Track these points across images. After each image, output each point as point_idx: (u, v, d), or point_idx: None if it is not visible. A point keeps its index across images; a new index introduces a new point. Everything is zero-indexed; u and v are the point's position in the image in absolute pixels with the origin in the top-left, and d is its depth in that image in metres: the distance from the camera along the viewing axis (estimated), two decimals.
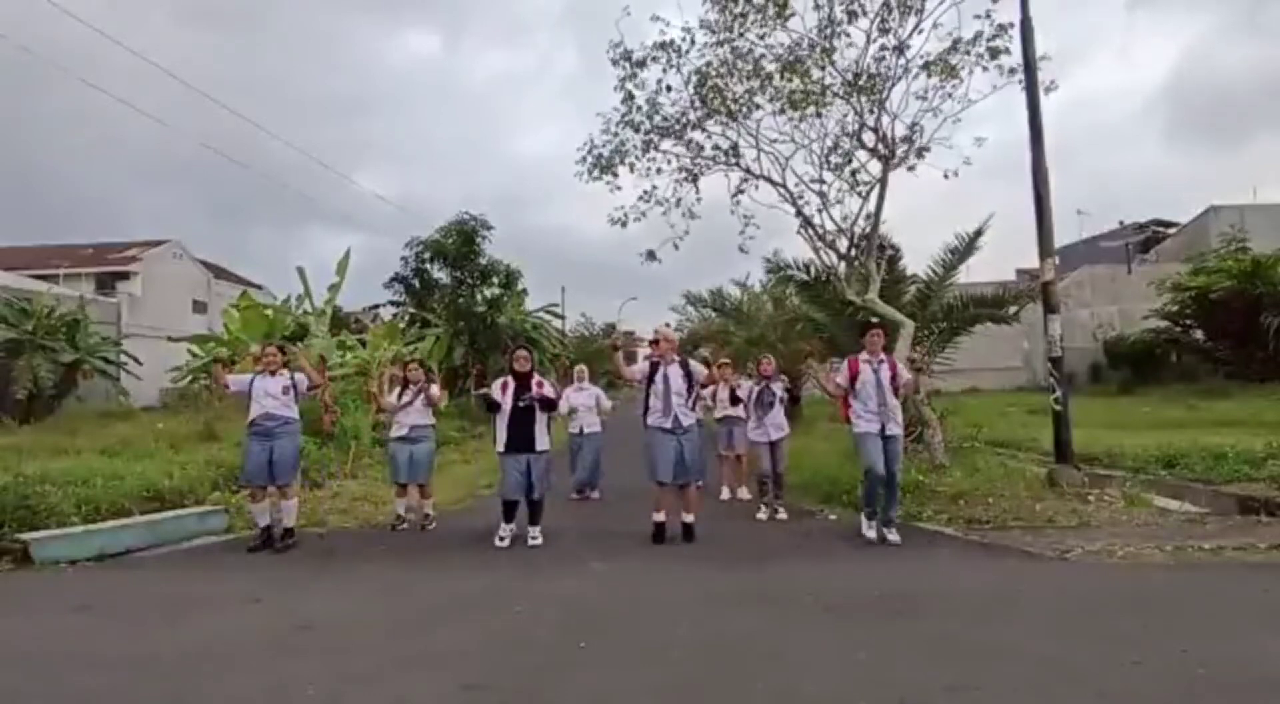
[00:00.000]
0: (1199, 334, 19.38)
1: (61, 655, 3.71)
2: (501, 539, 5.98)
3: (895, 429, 5.73)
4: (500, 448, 6.07)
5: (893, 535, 5.69)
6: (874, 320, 6.23)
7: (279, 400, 6.12)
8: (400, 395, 6.91)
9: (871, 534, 5.80)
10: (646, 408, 5.96)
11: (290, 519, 6.13)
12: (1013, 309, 10.82)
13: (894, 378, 5.79)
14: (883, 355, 5.86)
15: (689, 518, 5.91)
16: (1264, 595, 4.17)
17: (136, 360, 20.55)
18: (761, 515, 6.93)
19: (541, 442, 6.03)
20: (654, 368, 5.95)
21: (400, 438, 6.82)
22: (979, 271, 14.63)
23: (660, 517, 5.89)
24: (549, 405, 6.22)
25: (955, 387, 15.23)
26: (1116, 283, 25.43)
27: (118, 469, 7.67)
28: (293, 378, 6.29)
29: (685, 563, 5.37)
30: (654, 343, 6.12)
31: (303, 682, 3.27)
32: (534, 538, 5.99)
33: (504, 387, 6.14)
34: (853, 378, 5.81)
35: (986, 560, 5.23)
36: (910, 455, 7.99)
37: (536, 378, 6.22)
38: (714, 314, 20.84)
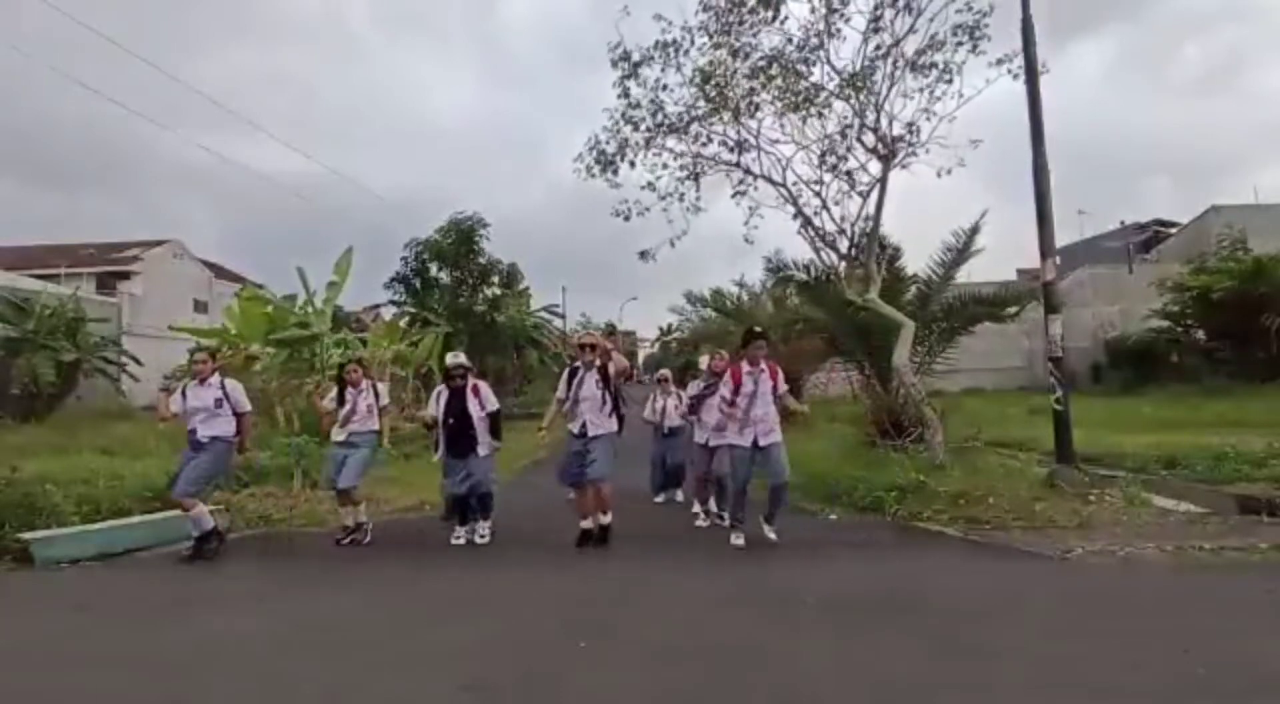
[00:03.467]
0: (1200, 334, 19.36)
1: (61, 655, 3.71)
2: (456, 538, 6.10)
3: (771, 438, 5.65)
4: (440, 451, 6.16)
5: (771, 533, 5.76)
6: (757, 329, 6.07)
7: (211, 413, 5.78)
8: (340, 398, 6.35)
9: (740, 542, 5.72)
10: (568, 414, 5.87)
11: (205, 524, 5.75)
12: (1014, 309, 10.82)
13: (774, 387, 5.72)
14: (763, 365, 5.73)
15: (605, 519, 5.84)
16: (1265, 596, 4.16)
17: (137, 361, 20.54)
18: (701, 522, 6.75)
19: (484, 447, 6.08)
20: (573, 373, 5.85)
21: (339, 443, 6.30)
22: (980, 271, 14.60)
23: (586, 523, 5.83)
24: (497, 417, 6.19)
25: (955, 386, 15.21)
26: (1118, 283, 25.38)
27: (118, 469, 7.68)
28: (224, 387, 5.88)
29: (685, 563, 5.37)
30: (581, 347, 5.91)
31: (303, 682, 3.27)
32: (481, 536, 6.08)
33: (438, 396, 6.23)
34: (736, 387, 5.70)
35: (987, 560, 5.23)
36: (910, 455, 7.99)
37: (472, 383, 6.22)
38: (714, 314, 20.88)
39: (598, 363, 5.82)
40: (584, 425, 5.74)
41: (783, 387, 5.81)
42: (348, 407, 6.33)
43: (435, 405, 6.23)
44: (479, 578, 5.17)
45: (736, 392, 5.68)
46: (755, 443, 5.63)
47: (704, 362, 7.72)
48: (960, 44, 8.24)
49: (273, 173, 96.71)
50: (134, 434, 11.39)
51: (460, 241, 20.17)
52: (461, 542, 6.07)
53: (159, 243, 33.73)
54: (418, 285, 20.78)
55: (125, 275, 30.93)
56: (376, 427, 6.43)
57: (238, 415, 5.95)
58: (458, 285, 20.82)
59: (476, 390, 6.18)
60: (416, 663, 3.44)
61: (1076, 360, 19.42)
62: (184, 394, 5.88)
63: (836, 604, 4.23)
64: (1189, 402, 14.23)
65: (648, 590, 4.74)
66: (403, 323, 19.00)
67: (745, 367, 5.73)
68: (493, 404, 6.21)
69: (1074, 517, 6.03)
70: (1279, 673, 3.06)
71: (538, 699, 3.03)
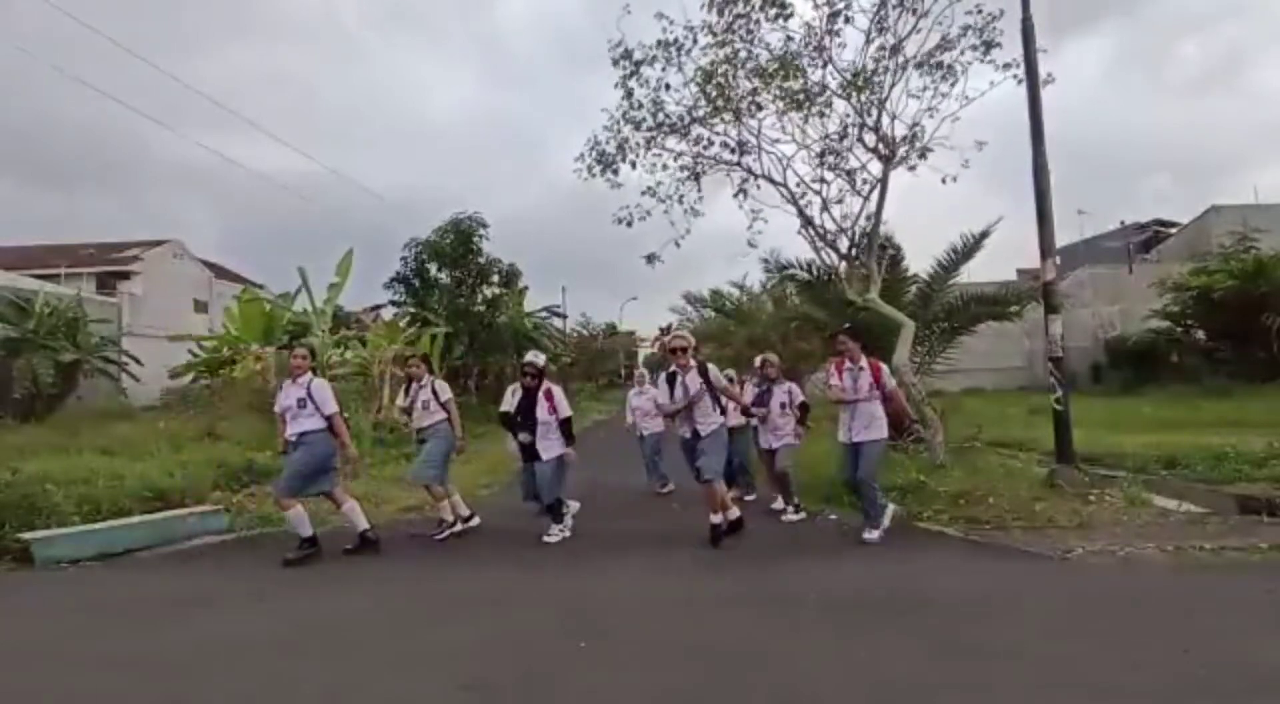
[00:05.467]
0: (1200, 334, 19.36)
1: (61, 655, 3.72)
2: (549, 536, 6.07)
3: (865, 435, 5.77)
4: (513, 453, 6.25)
5: (869, 535, 5.76)
6: (847, 326, 6.21)
7: (294, 412, 5.63)
8: (407, 393, 6.66)
9: (873, 537, 5.83)
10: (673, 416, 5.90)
11: (300, 528, 5.56)
12: (1014, 308, 10.82)
13: (878, 384, 5.80)
14: (863, 362, 5.86)
15: (715, 518, 5.75)
16: (1265, 596, 4.15)
17: (137, 361, 20.53)
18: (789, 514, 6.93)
19: (547, 451, 6.04)
20: (672, 378, 5.82)
21: (418, 441, 6.60)
22: (980, 271, 14.56)
23: (716, 518, 5.78)
24: (566, 427, 6.15)
25: (956, 386, 15.21)
26: (1118, 283, 25.38)
27: (118, 469, 7.67)
28: (309, 389, 5.65)
29: (686, 563, 5.36)
30: (672, 351, 5.92)
31: (303, 682, 3.27)
32: (549, 535, 6.07)
33: (513, 391, 6.26)
34: (839, 382, 5.92)
35: (987, 560, 5.23)
36: (911, 455, 7.98)
37: (546, 387, 6.18)
38: (714, 314, 20.89)
39: (693, 364, 5.82)
40: (694, 427, 5.76)
41: (889, 383, 5.86)
42: (409, 400, 6.52)
43: (510, 400, 6.25)
44: (479, 578, 5.17)
45: (841, 387, 5.88)
46: (851, 437, 5.80)
47: (756, 361, 7.74)
48: (973, 48, 8.24)
49: (273, 173, 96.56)
50: (134, 434, 11.38)
51: (459, 242, 20.14)
52: (555, 539, 6.04)
53: (159, 243, 33.72)
54: (417, 285, 20.75)
55: (125, 275, 30.93)
56: (440, 417, 6.50)
57: (326, 416, 5.66)
58: (457, 285, 20.78)
59: (550, 395, 6.14)
60: (416, 663, 3.44)
61: (1076, 360, 19.41)
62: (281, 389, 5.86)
63: (836, 604, 4.23)
64: (1189, 402, 14.22)
65: (648, 590, 4.74)
66: (403, 323, 18.99)
67: (846, 363, 5.89)
68: (564, 411, 6.17)
69: (1074, 517, 6.03)
70: (1279, 673, 3.06)
71: (538, 699, 3.03)
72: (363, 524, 5.81)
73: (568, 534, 6.14)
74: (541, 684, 3.13)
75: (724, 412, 5.98)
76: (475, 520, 6.58)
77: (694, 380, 5.76)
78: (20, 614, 4.62)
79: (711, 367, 5.94)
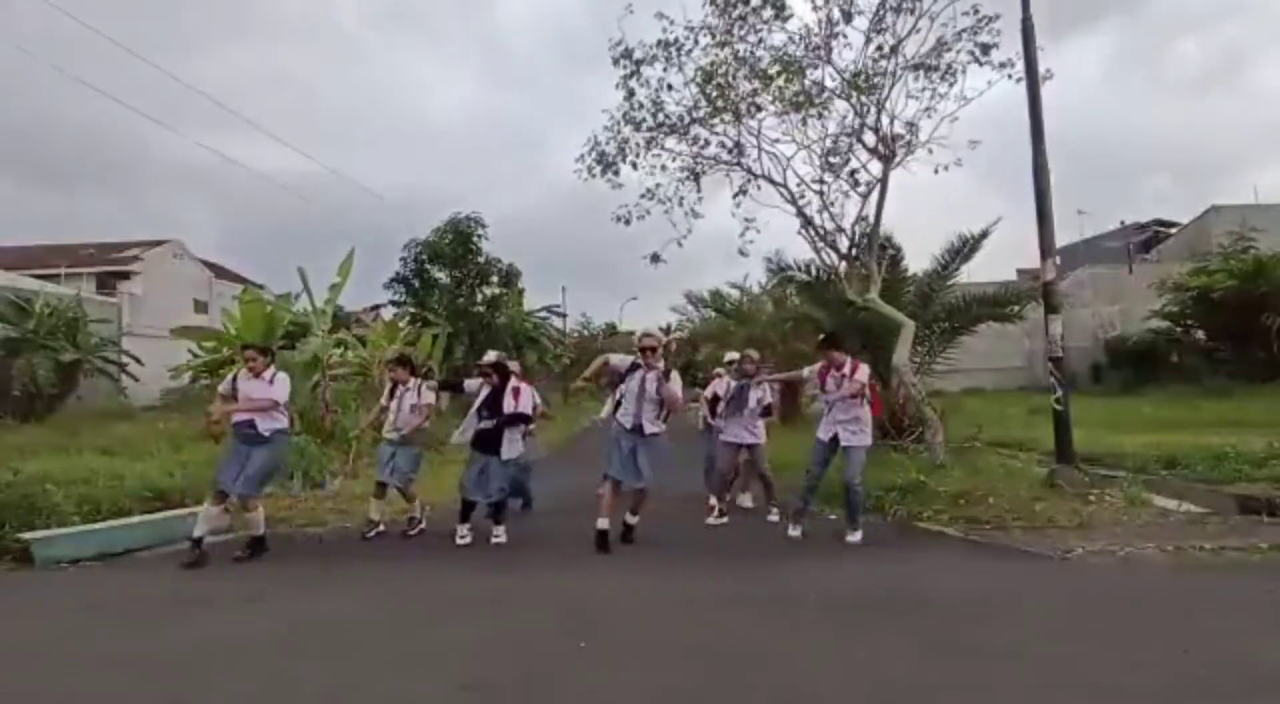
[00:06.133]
0: (1200, 334, 19.37)
1: (61, 655, 3.71)
2: (462, 538, 6.04)
3: (852, 440, 5.87)
4: (466, 442, 6.15)
5: (851, 536, 5.81)
6: (822, 337, 6.39)
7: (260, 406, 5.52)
8: (391, 394, 6.56)
9: (795, 533, 6.03)
10: (618, 405, 5.84)
11: (257, 528, 5.65)
12: (1014, 309, 10.82)
13: (854, 395, 5.87)
14: (847, 368, 5.94)
15: (632, 519, 5.90)
16: (1265, 596, 4.16)
17: (138, 360, 20.52)
18: (711, 519, 6.78)
19: (508, 450, 6.05)
20: (634, 368, 5.80)
21: (389, 440, 6.49)
22: (980, 272, 14.57)
23: (603, 522, 5.69)
24: (517, 420, 6.14)
25: (956, 386, 15.21)
26: (1118, 283, 25.39)
27: (118, 469, 7.67)
28: (273, 382, 5.62)
29: (685, 563, 5.37)
30: (643, 350, 5.84)
31: (303, 682, 3.27)
32: (496, 536, 6.08)
33: (481, 385, 6.22)
34: (821, 386, 6.10)
35: (987, 560, 5.23)
36: (911, 455, 7.98)
37: (513, 384, 6.16)
38: (714, 314, 20.88)
39: (660, 366, 5.79)
40: (638, 423, 5.73)
41: (860, 373, 5.91)
42: (394, 405, 6.48)
43: (473, 386, 6.24)
44: (479, 578, 5.16)
45: (822, 390, 6.08)
46: (835, 439, 5.92)
47: (729, 356, 7.74)
48: (971, 53, 8.24)
49: (273, 173, 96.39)
50: (134, 434, 11.39)
51: (458, 242, 20.14)
52: (467, 541, 6.03)
53: (159, 243, 33.70)
54: (417, 285, 20.75)
55: (125, 275, 30.91)
56: (419, 422, 6.50)
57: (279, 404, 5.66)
58: (457, 285, 20.79)
59: (517, 393, 6.14)
60: (416, 663, 3.44)
61: (1076, 360, 19.41)
62: (234, 383, 5.66)
63: (836, 604, 4.23)
64: (1189, 402, 14.23)
65: (648, 590, 4.74)
66: (403, 323, 18.98)
67: (832, 369, 6.01)
68: (526, 408, 6.21)
69: (1074, 517, 6.03)
70: (1279, 673, 3.06)
71: (538, 699, 3.03)
72: (261, 530, 5.71)
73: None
74: (541, 684, 3.13)
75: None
76: (381, 528, 6.49)
77: (653, 381, 5.73)
78: (20, 614, 4.62)
79: (674, 378, 5.84)
